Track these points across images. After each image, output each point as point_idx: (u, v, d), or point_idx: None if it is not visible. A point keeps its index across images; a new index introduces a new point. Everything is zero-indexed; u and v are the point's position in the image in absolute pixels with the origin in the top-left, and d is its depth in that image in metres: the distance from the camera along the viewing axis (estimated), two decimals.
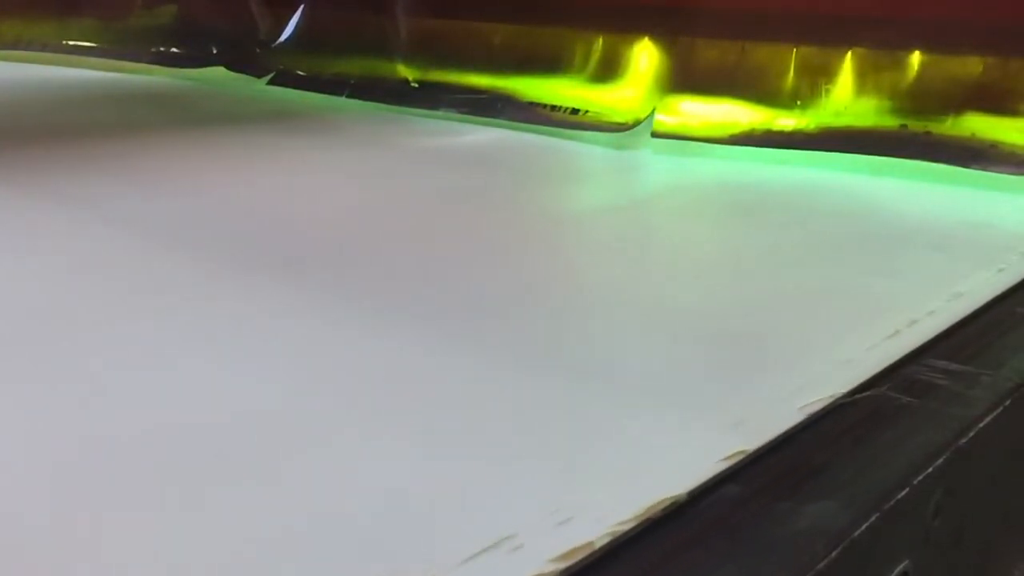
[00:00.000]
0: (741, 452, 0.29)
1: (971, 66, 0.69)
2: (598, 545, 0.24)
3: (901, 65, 0.72)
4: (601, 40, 0.87)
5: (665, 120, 0.81)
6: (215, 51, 1.20)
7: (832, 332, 0.40)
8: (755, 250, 0.53)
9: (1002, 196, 0.64)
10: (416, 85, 1.01)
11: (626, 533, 0.25)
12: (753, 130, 0.77)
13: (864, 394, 0.34)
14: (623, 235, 0.58)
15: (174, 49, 1.22)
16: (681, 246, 0.56)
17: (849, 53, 0.74)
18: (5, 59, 1.21)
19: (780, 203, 0.64)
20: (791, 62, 0.77)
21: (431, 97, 0.97)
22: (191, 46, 1.21)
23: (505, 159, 0.79)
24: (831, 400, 0.32)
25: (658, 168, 0.76)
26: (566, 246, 0.55)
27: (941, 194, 0.65)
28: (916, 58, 0.72)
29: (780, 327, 0.41)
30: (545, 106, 0.88)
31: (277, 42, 1.15)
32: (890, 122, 0.72)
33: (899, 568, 0.29)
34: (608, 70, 0.87)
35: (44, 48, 1.24)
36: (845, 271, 0.49)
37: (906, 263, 0.51)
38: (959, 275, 0.46)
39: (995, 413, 0.33)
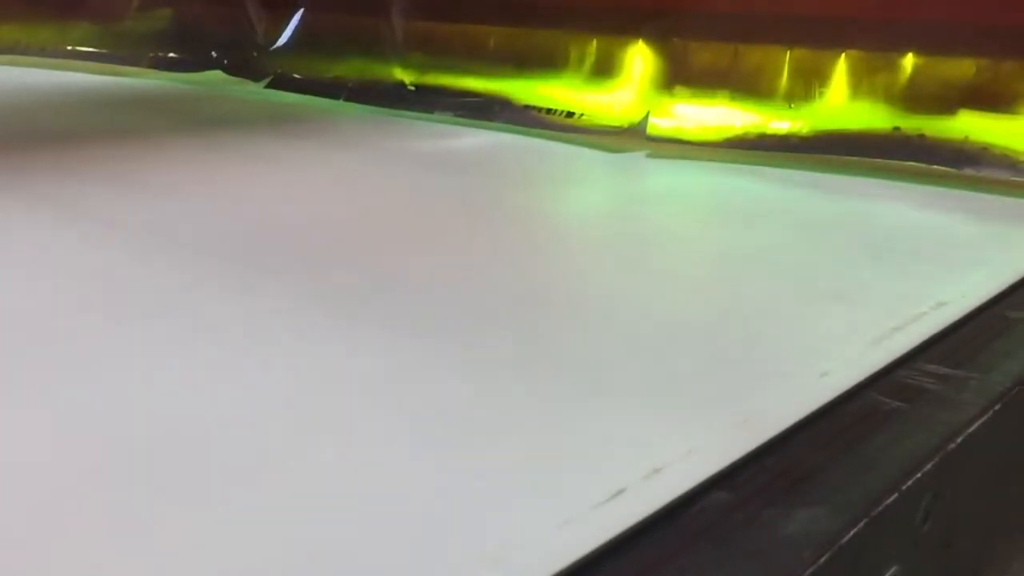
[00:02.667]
0: None
1: (964, 68, 0.69)
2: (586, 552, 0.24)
3: (894, 68, 0.72)
4: (595, 43, 0.88)
5: (659, 123, 0.81)
6: (213, 55, 1.20)
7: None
8: (727, 260, 0.53)
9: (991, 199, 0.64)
10: (413, 88, 1.01)
11: (613, 540, 0.25)
12: (747, 133, 0.77)
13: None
14: (614, 239, 0.58)
15: (172, 53, 1.22)
16: (666, 253, 0.56)
17: (843, 56, 0.74)
18: (4, 63, 1.21)
19: (770, 208, 0.64)
20: (785, 65, 0.77)
21: (428, 100, 0.98)
22: (189, 50, 1.22)
23: (501, 162, 0.79)
24: None
25: (652, 171, 0.77)
26: (560, 250, 0.55)
27: (931, 197, 0.66)
28: (909, 61, 0.72)
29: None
30: (540, 109, 0.89)
31: (275, 46, 1.16)
32: (883, 125, 0.72)
33: (888, 573, 0.29)
34: (603, 73, 0.87)
35: (43, 52, 1.25)
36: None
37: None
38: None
39: (985, 417, 0.33)
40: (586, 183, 0.76)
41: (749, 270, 0.50)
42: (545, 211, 0.66)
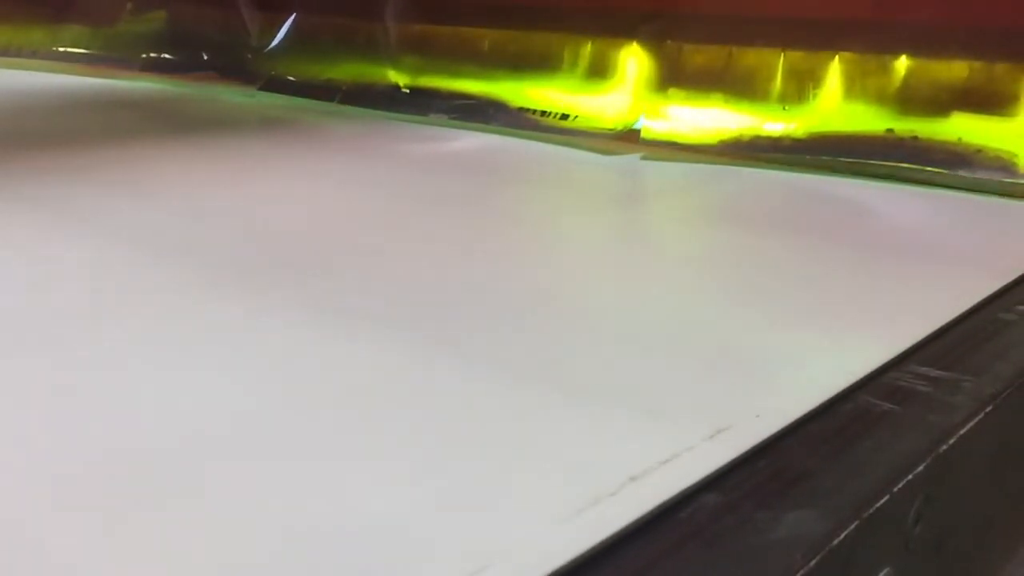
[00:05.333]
0: None
1: (957, 70, 0.70)
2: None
3: (888, 70, 0.72)
4: (590, 45, 0.88)
5: (653, 126, 0.82)
6: (206, 57, 1.20)
7: None
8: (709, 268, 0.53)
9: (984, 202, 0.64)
10: (407, 91, 1.01)
11: (601, 543, 0.25)
12: (741, 135, 0.77)
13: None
14: (608, 242, 0.58)
15: (165, 56, 1.22)
16: (654, 259, 0.56)
17: (836, 58, 0.74)
18: None
19: (763, 211, 0.64)
20: (778, 67, 0.77)
21: (422, 103, 0.98)
22: (182, 52, 1.22)
23: (495, 165, 0.79)
24: None
25: (645, 173, 0.76)
26: (554, 254, 0.55)
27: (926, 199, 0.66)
28: (903, 63, 0.72)
29: None
30: (535, 112, 0.89)
31: (268, 48, 1.16)
32: (877, 127, 0.72)
33: (880, 575, 0.29)
34: (597, 76, 0.87)
35: (35, 54, 1.25)
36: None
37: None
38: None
39: (976, 419, 0.33)
40: (580, 186, 0.76)
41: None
42: (538, 215, 0.65)
